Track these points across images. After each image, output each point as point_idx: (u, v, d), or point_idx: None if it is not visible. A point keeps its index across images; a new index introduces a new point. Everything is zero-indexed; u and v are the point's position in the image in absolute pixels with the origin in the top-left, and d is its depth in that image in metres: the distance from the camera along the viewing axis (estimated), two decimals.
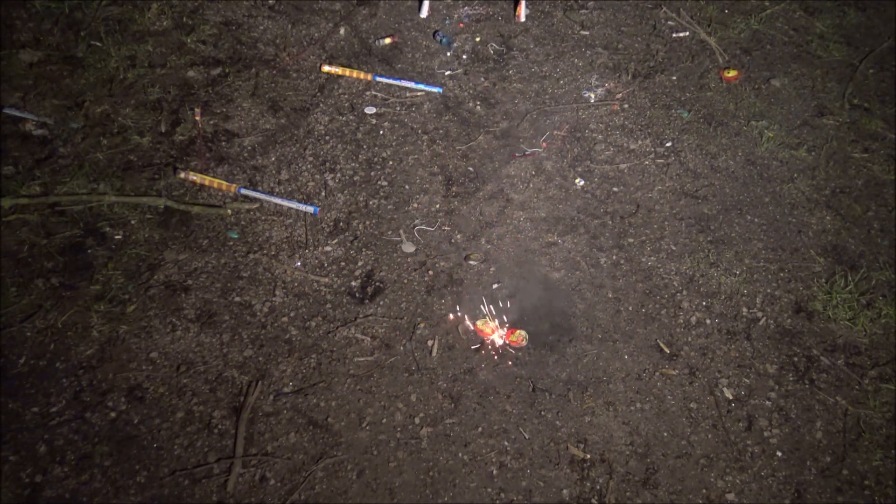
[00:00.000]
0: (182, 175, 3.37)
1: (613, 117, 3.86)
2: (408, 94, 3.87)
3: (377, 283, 3.10)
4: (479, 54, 4.16)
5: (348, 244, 3.24)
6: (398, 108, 3.82)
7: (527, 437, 2.67)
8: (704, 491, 2.59)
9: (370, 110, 3.78)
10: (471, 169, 3.58)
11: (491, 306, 3.02)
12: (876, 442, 2.73)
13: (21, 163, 3.34)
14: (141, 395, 2.69)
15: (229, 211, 3.29)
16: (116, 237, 3.15)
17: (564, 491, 2.57)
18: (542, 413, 2.75)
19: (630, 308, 3.07)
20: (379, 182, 3.48)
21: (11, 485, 2.44)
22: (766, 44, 4.29)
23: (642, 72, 4.10)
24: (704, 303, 3.11)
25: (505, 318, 3.00)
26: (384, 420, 2.70)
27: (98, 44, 3.85)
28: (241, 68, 3.91)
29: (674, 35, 4.32)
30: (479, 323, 2.96)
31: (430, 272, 3.13)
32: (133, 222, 3.21)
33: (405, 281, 3.12)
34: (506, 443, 2.66)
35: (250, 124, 3.67)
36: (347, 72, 3.91)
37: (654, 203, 3.47)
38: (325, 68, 3.93)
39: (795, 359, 2.96)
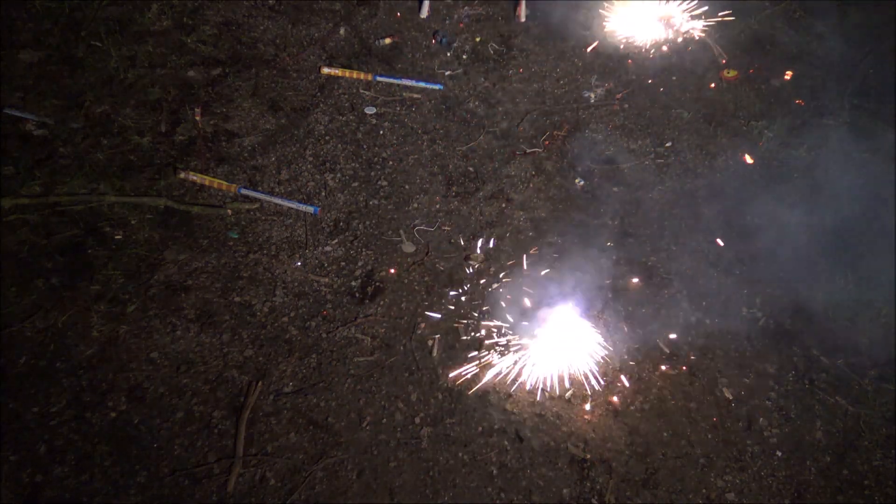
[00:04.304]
0: (182, 175, 3.37)
1: (613, 117, 3.86)
2: (406, 93, 3.88)
3: (377, 283, 3.10)
4: (479, 54, 4.16)
5: (348, 244, 3.24)
6: (398, 108, 3.82)
7: (528, 435, 2.68)
8: (704, 491, 2.59)
9: (370, 110, 3.78)
10: (471, 169, 3.58)
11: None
12: (876, 442, 2.73)
13: (21, 163, 3.34)
14: (141, 395, 2.69)
15: (229, 211, 3.29)
16: (116, 237, 3.15)
17: (564, 491, 2.57)
18: (542, 413, 2.75)
19: (630, 308, 3.07)
20: (379, 182, 3.48)
21: (11, 485, 2.44)
22: (766, 44, 4.29)
23: (642, 71, 4.10)
24: (704, 303, 3.11)
25: (508, 316, 3.00)
26: (384, 420, 2.70)
27: (98, 44, 3.85)
28: (241, 68, 3.91)
29: (675, 35, 4.31)
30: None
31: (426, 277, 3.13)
32: (133, 222, 3.21)
33: (405, 281, 3.12)
34: (506, 442, 2.66)
35: (250, 124, 3.67)
36: (347, 73, 3.91)
37: (654, 203, 3.47)
38: (325, 70, 3.92)
39: (795, 359, 2.96)
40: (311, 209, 3.31)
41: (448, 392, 2.78)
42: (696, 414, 2.78)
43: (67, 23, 3.95)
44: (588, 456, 2.65)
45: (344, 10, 4.31)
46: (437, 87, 3.91)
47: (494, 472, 2.59)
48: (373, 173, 3.51)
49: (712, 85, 4.06)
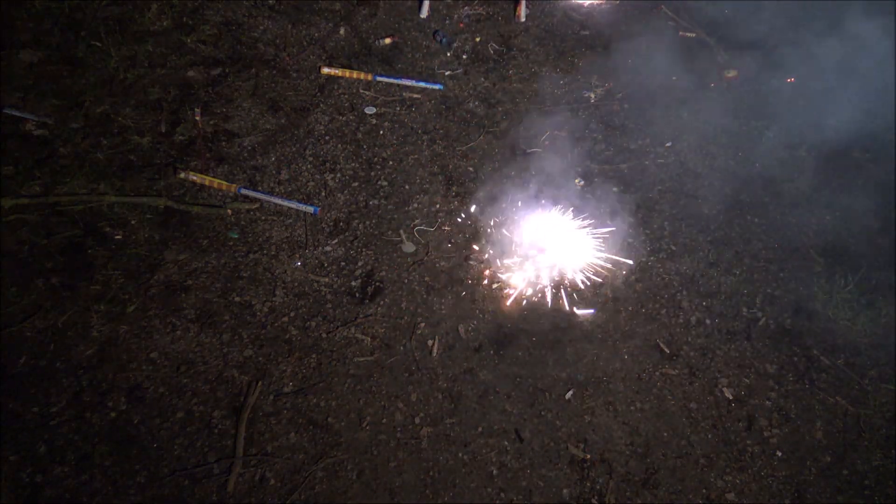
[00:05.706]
0: (182, 175, 3.37)
1: (613, 117, 3.86)
2: (406, 93, 3.88)
3: (377, 283, 3.10)
4: (479, 54, 4.16)
5: (348, 244, 3.24)
6: (398, 108, 3.82)
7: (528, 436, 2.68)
8: (704, 491, 2.59)
9: (370, 110, 3.78)
10: (471, 169, 3.58)
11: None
12: (876, 442, 2.73)
13: (21, 163, 3.34)
14: (141, 395, 2.69)
15: (229, 211, 3.29)
16: (116, 237, 3.15)
17: (564, 491, 2.57)
18: (542, 413, 2.75)
19: (630, 308, 3.07)
20: (379, 182, 3.48)
21: (11, 485, 2.44)
22: (766, 44, 4.29)
23: (642, 71, 4.10)
24: (704, 303, 3.11)
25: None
26: (384, 420, 2.70)
27: (98, 44, 3.85)
28: (241, 68, 3.91)
29: (675, 35, 4.31)
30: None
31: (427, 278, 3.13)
32: (133, 222, 3.21)
33: (405, 281, 3.12)
34: (506, 443, 2.66)
35: (250, 124, 3.67)
36: (347, 73, 3.91)
37: (654, 203, 3.47)
38: (325, 70, 3.92)
39: (795, 359, 2.96)
40: (311, 209, 3.31)
41: (448, 392, 2.79)
42: (696, 414, 2.78)
43: (67, 23, 3.95)
44: (588, 456, 2.65)
45: (344, 10, 4.31)
46: (437, 87, 3.91)
47: (494, 472, 2.59)
48: (373, 173, 3.51)
49: (712, 85, 4.06)
